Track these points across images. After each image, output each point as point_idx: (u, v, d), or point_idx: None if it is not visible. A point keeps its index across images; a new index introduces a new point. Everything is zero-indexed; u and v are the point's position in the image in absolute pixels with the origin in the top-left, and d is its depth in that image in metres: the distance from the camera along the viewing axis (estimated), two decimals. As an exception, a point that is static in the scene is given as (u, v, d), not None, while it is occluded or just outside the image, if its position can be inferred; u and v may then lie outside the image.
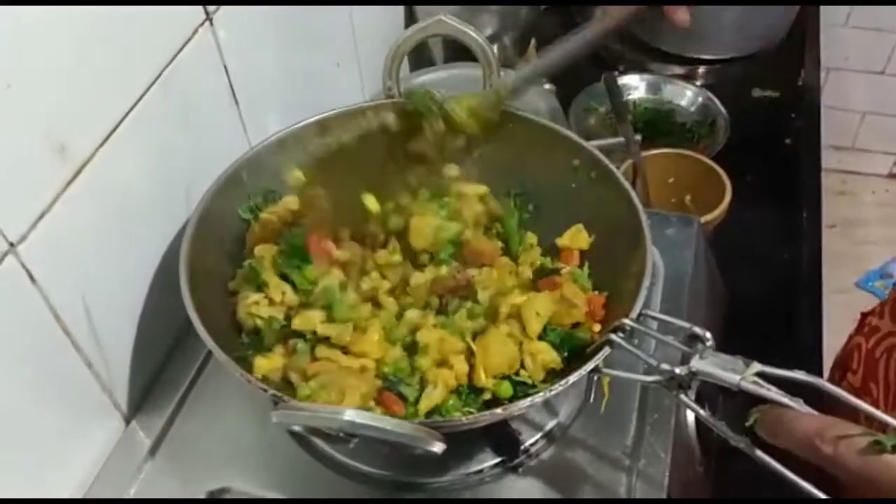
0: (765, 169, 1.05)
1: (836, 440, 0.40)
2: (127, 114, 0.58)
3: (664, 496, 0.57)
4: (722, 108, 1.09)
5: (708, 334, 0.48)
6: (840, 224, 2.15)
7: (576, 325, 0.60)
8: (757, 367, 0.45)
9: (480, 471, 0.60)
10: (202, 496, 0.59)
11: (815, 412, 0.43)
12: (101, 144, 0.56)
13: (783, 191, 1.03)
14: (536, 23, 1.16)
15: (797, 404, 0.43)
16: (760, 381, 0.45)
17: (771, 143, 1.11)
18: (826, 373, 0.87)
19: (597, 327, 0.60)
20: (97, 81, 0.55)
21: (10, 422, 0.53)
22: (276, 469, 0.60)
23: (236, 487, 0.59)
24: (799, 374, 0.43)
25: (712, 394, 0.57)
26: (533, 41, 1.14)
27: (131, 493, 0.60)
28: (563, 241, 0.66)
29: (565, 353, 0.58)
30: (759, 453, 0.44)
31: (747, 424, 0.45)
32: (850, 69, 2.07)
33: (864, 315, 0.83)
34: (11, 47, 0.47)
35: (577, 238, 0.66)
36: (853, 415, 0.42)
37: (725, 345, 0.49)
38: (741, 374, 0.45)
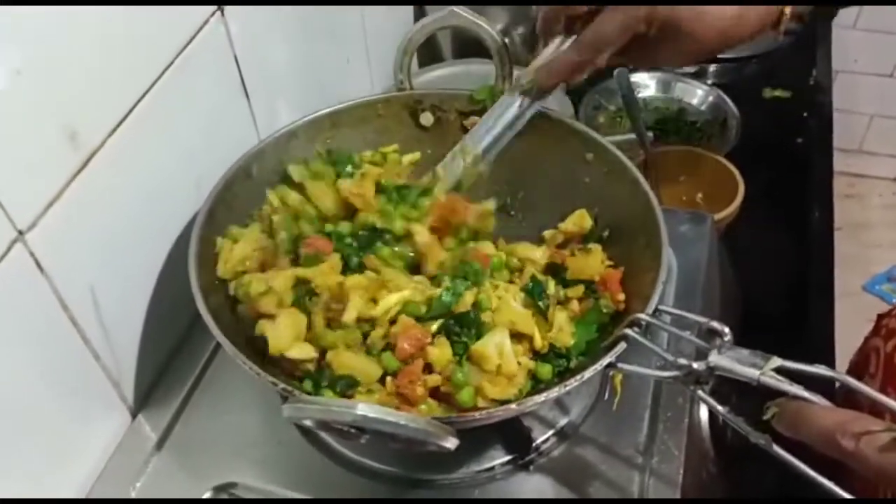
0: (776, 169, 1.05)
1: (858, 436, 0.39)
2: (137, 102, 0.57)
3: (678, 495, 0.57)
4: (733, 107, 1.08)
5: (726, 329, 0.47)
6: (847, 227, 2.13)
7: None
8: (777, 361, 0.44)
9: (491, 468, 0.59)
10: (209, 491, 0.58)
11: (835, 407, 0.42)
12: (112, 133, 0.55)
13: (794, 191, 1.03)
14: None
15: (818, 399, 0.42)
16: (779, 376, 0.44)
17: (782, 142, 1.10)
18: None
19: (620, 296, 0.59)
20: (108, 69, 0.54)
21: (18, 414, 0.52)
22: (283, 464, 0.60)
23: (243, 482, 0.59)
24: (820, 369, 0.43)
25: (725, 391, 0.57)
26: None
27: (137, 487, 0.59)
28: (566, 226, 0.66)
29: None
30: (779, 450, 0.43)
31: (765, 418, 0.44)
32: (858, 72, 2.06)
33: (881, 317, 0.82)
34: (22, 34, 0.47)
35: (581, 222, 0.66)
36: (870, 411, 0.42)
37: (737, 343, 0.48)
38: (760, 368, 0.44)
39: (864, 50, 2.00)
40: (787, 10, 0.61)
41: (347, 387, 0.55)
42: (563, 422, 0.61)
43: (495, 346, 0.55)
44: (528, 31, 1.09)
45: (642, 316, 0.52)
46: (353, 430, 0.45)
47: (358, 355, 0.56)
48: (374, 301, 0.57)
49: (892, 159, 2.31)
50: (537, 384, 0.57)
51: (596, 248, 0.63)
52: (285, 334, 0.55)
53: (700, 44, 0.60)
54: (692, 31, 0.59)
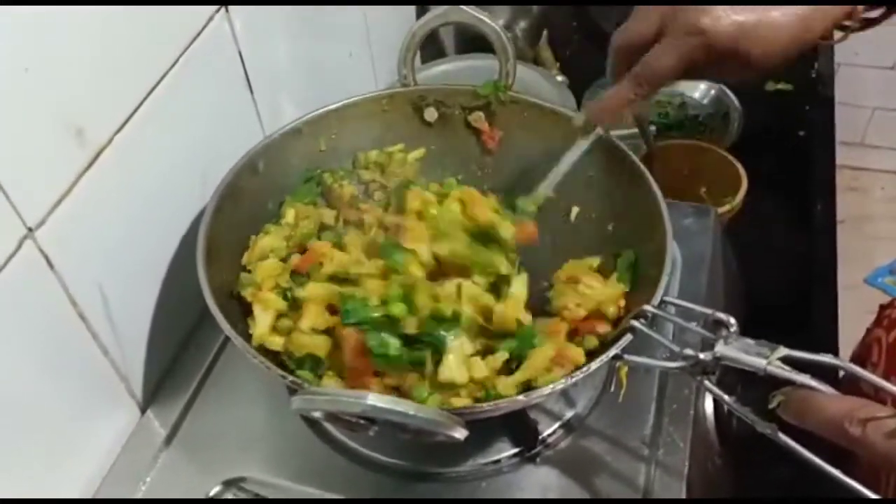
0: (778, 162, 1.05)
1: (865, 422, 0.40)
2: (144, 100, 0.57)
3: (683, 486, 0.57)
4: (735, 101, 1.08)
5: (732, 319, 0.47)
6: (849, 220, 2.12)
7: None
8: (783, 351, 0.44)
9: (498, 461, 0.59)
10: (218, 485, 0.59)
11: (841, 395, 0.43)
12: (119, 130, 0.55)
13: (797, 183, 1.03)
14: (548, 14, 1.16)
15: (824, 387, 0.43)
16: (785, 366, 0.44)
17: (784, 135, 1.10)
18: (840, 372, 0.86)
19: (621, 303, 0.59)
20: (114, 66, 0.54)
21: (27, 409, 0.53)
22: (291, 458, 0.60)
23: (252, 476, 0.59)
24: (826, 358, 0.43)
25: (730, 382, 0.57)
26: (545, 33, 1.14)
27: (147, 482, 0.59)
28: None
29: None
30: (785, 438, 0.43)
31: (771, 407, 0.44)
32: (859, 65, 2.06)
33: (883, 308, 0.82)
34: (28, 31, 0.47)
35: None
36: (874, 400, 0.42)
37: (742, 335, 0.48)
38: (767, 358, 0.44)
39: (866, 43, 1.96)
40: (860, 9, 0.57)
41: (316, 366, 0.55)
42: (569, 414, 0.61)
43: (458, 365, 0.53)
44: (529, 26, 1.09)
45: (648, 307, 0.53)
46: (362, 422, 0.46)
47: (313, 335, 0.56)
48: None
49: (894, 152, 2.30)
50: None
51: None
52: (263, 322, 0.57)
53: (763, 62, 0.56)
54: (752, 55, 0.55)
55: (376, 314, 0.53)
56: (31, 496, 0.54)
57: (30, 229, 0.49)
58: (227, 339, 0.53)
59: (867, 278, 2.05)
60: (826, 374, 0.44)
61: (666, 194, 0.61)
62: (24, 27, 0.47)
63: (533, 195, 0.65)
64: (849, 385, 0.52)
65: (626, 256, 0.62)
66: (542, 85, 0.98)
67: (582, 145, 0.64)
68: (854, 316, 0.93)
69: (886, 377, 0.74)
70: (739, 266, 0.84)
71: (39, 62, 0.48)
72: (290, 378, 0.51)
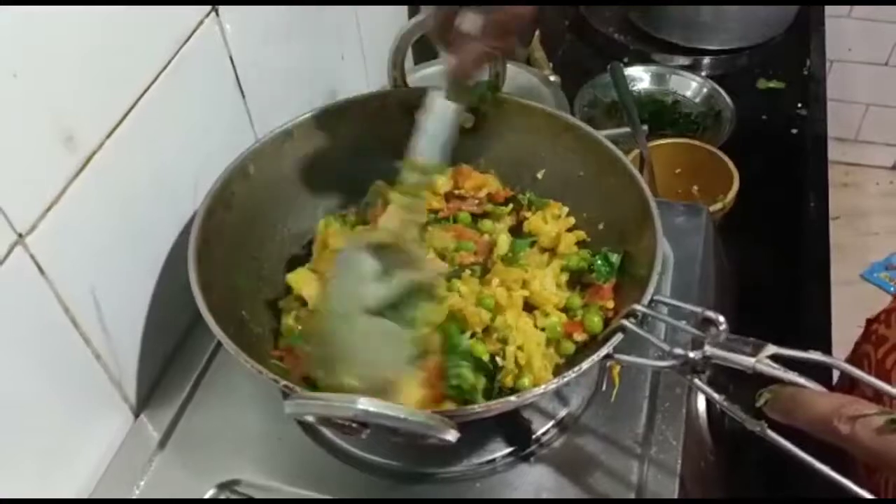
0: (771, 159, 1.05)
1: (853, 419, 0.40)
2: (134, 104, 0.57)
3: (677, 484, 0.57)
4: (727, 99, 1.08)
5: (721, 318, 0.47)
6: (844, 216, 2.14)
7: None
8: (772, 349, 0.44)
9: (492, 460, 0.59)
10: (212, 488, 0.59)
11: (829, 392, 0.43)
12: (109, 135, 0.55)
13: (790, 181, 1.03)
14: (540, 15, 1.16)
15: (812, 384, 0.43)
16: (774, 364, 0.44)
17: (777, 133, 1.10)
18: (834, 373, 0.86)
19: (610, 304, 0.60)
20: (104, 71, 0.54)
21: (20, 415, 0.53)
22: (285, 460, 0.60)
23: (246, 479, 0.59)
24: (815, 355, 0.43)
25: (723, 381, 0.57)
26: (537, 33, 1.14)
27: (141, 486, 0.59)
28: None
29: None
30: (774, 435, 0.43)
31: (758, 405, 0.45)
32: (853, 60, 2.06)
33: (870, 322, 0.82)
34: (17, 37, 0.47)
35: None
36: (864, 397, 0.42)
37: (735, 333, 0.48)
38: (755, 356, 0.44)
39: (859, 38, 2.00)
40: None
41: None
42: (562, 413, 0.61)
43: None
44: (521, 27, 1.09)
45: (638, 307, 0.53)
46: (354, 425, 0.46)
47: None
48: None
49: (888, 148, 2.31)
50: None
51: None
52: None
53: None
54: None
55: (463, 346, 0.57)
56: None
57: (20, 235, 0.49)
58: (220, 342, 0.53)
59: (863, 274, 2.06)
60: (818, 372, 0.44)
61: (658, 193, 0.61)
62: (12, 32, 0.47)
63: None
64: (842, 389, 0.52)
65: (608, 256, 0.63)
66: (536, 85, 0.99)
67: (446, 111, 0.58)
68: (849, 312, 0.93)
69: (877, 394, 0.74)
70: (732, 264, 0.84)
71: (28, 67, 0.48)
72: (283, 382, 0.51)
